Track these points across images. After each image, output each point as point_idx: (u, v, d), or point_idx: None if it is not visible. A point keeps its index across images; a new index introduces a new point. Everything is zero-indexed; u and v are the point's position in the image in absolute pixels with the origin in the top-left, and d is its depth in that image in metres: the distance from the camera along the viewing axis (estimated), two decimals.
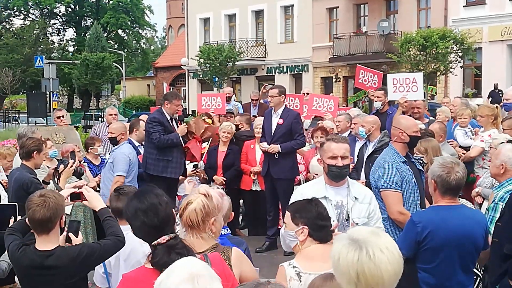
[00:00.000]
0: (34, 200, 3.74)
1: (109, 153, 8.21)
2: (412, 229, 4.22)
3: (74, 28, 64.15)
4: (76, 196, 4.23)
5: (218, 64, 32.70)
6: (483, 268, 4.89)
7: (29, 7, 61.28)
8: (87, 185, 4.37)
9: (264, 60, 37.40)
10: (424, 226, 4.15)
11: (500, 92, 20.78)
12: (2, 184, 6.53)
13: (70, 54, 60.16)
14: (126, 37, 64.89)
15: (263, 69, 37.72)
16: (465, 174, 4.27)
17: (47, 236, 3.75)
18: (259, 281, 2.36)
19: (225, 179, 8.96)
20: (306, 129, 10.37)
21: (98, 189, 8.01)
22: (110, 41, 61.15)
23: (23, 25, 61.13)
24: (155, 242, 2.98)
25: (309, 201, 3.64)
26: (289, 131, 8.37)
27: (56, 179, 6.15)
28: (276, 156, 8.34)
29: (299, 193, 4.52)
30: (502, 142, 6.11)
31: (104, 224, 3.90)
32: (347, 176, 4.57)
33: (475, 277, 4.76)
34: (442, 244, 4.13)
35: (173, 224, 3.07)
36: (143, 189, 3.22)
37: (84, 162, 8.25)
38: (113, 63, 44.68)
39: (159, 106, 8.51)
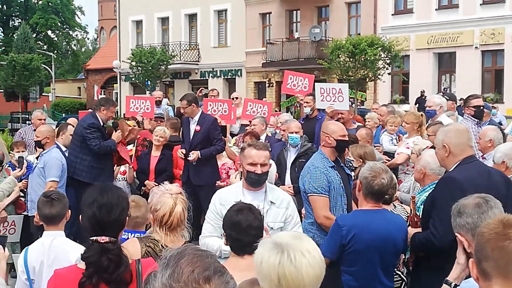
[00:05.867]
0: None
1: (37, 158, 8.00)
2: (337, 232, 4.29)
3: (1, 28, 62.11)
4: None
5: (150, 68, 32.40)
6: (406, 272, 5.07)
7: None
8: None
9: (197, 64, 37.27)
10: (349, 230, 4.23)
11: (426, 99, 21.45)
12: None
13: None
14: (56, 38, 63.38)
15: (196, 73, 37.58)
16: (390, 182, 4.37)
17: None
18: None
19: (156, 184, 8.84)
20: (237, 134, 10.42)
21: (22, 194, 7.81)
22: (39, 42, 59.56)
23: None
24: (94, 238, 2.98)
25: (239, 210, 3.50)
26: (207, 137, 8.40)
27: None
28: (194, 163, 8.34)
29: (217, 197, 4.58)
30: (424, 148, 6.34)
31: None
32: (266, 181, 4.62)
33: (400, 280, 4.93)
34: (365, 247, 4.21)
35: (119, 230, 3.08)
36: (110, 186, 3.25)
37: (8, 167, 8.02)
38: (42, 65, 43.46)
39: (90, 110, 8.35)
